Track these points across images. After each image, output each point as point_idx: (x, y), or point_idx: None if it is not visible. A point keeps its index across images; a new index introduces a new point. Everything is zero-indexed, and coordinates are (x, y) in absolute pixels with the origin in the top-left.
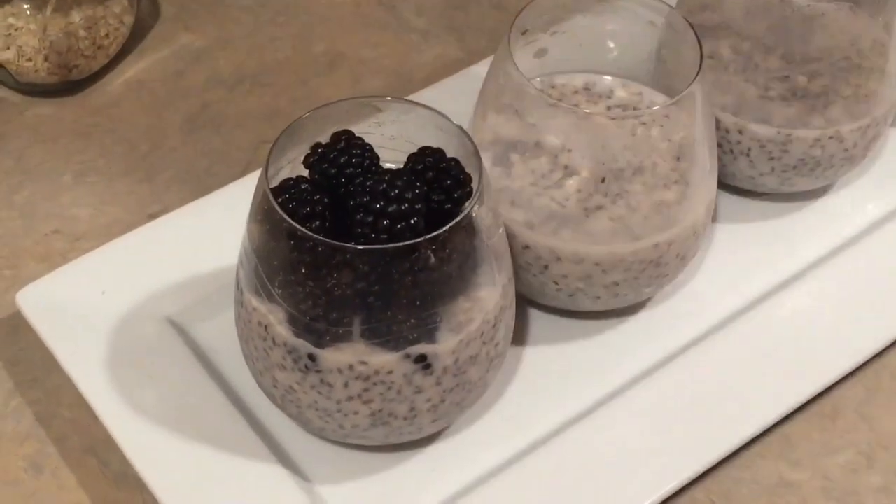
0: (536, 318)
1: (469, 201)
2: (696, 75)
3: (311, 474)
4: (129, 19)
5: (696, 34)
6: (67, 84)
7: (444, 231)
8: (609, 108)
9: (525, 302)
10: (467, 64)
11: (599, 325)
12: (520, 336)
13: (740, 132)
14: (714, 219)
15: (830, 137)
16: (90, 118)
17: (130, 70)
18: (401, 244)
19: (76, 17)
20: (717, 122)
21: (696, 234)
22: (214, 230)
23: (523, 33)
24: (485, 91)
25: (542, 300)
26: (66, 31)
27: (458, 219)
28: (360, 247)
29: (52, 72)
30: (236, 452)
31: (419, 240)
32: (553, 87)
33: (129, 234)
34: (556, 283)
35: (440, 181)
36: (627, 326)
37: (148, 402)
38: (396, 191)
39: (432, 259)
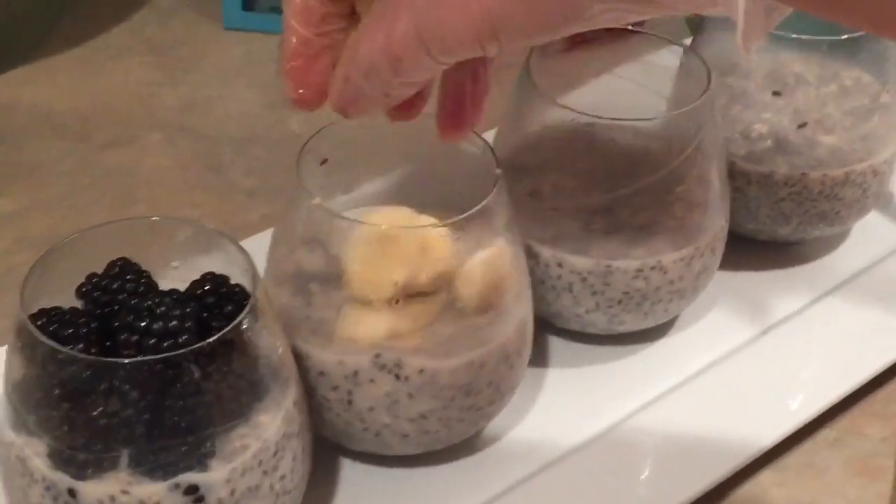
0: (347, 467)
1: (239, 316)
2: (492, 191)
3: None
4: None
5: (495, 157)
6: None
7: (208, 344)
8: None
9: (339, 450)
10: None
11: (416, 472)
12: (329, 482)
13: (560, 265)
14: (546, 363)
15: (653, 268)
16: None
17: None
18: (160, 356)
19: None
20: (537, 256)
21: (509, 359)
22: None
23: (322, 163)
24: (284, 224)
25: (350, 445)
26: None
27: (222, 333)
28: (115, 360)
29: None
30: None
31: (180, 352)
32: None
33: None
34: (363, 421)
35: (221, 306)
36: (447, 471)
37: None
38: (163, 308)
39: (197, 374)
